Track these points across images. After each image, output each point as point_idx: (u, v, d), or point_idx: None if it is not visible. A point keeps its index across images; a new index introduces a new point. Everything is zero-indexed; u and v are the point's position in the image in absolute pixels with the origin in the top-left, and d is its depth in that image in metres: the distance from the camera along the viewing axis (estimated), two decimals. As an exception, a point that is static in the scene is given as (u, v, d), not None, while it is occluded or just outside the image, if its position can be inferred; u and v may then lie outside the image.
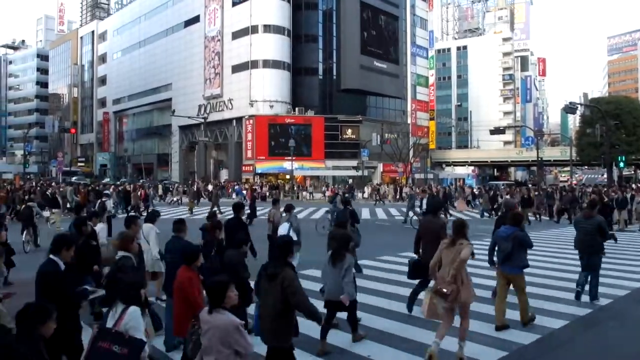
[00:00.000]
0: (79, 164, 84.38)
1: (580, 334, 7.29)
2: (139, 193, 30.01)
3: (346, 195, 19.83)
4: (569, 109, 41.45)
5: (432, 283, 6.60)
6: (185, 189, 42.80)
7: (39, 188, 30.86)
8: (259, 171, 56.10)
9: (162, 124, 75.80)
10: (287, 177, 52.43)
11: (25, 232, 14.97)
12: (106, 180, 60.44)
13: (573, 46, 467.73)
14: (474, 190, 39.96)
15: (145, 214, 25.52)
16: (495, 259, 7.88)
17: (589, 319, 7.97)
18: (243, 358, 3.89)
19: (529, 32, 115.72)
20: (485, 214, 27.53)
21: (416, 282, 8.18)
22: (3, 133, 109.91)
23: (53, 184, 37.53)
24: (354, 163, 53.68)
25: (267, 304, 4.83)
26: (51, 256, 5.06)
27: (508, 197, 24.23)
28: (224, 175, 61.76)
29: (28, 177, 62.10)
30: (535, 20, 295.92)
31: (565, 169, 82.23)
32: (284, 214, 11.60)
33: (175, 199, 38.84)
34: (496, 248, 7.76)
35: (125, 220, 7.75)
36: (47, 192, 26.59)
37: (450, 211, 28.51)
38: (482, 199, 29.42)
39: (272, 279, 4.85)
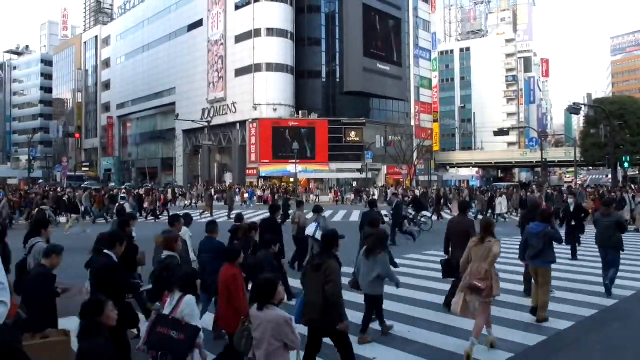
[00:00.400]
0: (84, 168, 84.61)
1: (586, 335, 7.26)
2: (158, 197, 30.55)
3: (392, 198, 19.65)
4: (573, 109, 41.33)
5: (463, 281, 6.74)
6: (194, 192, 43.01)
7: (51, 193, 31.11)
8: (263, 174, 56.16)
9: (166, 128, 75.97)
10: (291, 180, 52.46)
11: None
12: (112, 184, 60.54)
13: (576, 47, 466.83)
14: (474, 191, 39.88)
15: (162, 217, 25.74)
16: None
17: (595, 319, 7.95)
18: (290, 350, 4.24)
19: (532, 33, 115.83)
20: (480, 216, 27.34)
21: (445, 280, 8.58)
22: (8, 138, 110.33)
23: (68, 189, 37.61)
24: (358, 166, 53.71)
25: (313, 293, 5.26)
26: (106, 251, 5.44)
27: (531, 195, 23.90)
28: (228, 178, 61.79)
29: (38, 182, 62.36)
30: (538, 22, 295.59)
31: (570, 169, 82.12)
32: (309, 215, 12.01)
33: (187, 202, 38.98)
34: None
35: (169, 219, 8.41)
36: (64, 197, 26.88)
37: (443, 213, 28.35)
38: (477, 200, 29.13)
39: (316, 269, 5.34)
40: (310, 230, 10.98)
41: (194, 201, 39.35)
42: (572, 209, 14.44)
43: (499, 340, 6.76)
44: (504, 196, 27.88)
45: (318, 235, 10.19)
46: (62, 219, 23.02)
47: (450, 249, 8.35)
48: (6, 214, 22.34)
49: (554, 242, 7.85)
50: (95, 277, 5.26)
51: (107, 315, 3.50)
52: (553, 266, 7.96)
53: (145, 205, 28.41)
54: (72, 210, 22.44)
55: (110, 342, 3.45)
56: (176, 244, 6.30)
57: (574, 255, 13.32)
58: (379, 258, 6.75)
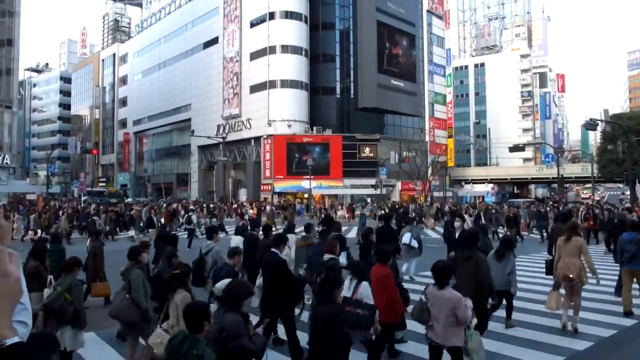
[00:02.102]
0: (100, 184, 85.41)
1: (629, 342, 7.78)
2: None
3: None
4: (590, 125, 40.96)
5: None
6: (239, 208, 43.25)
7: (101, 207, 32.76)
8: (277, 190, 56.25)
9: (181, 144, 76.60)
10: (305, 196, 52.49)
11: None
12: (128, 200, 60.96)
13: (592, 62, 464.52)
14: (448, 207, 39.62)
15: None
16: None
17: (636, 329, 8.52)
18: (461, 325, 5.20)
19: (547, 48, 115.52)
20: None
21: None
22: (27, 154, 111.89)
23: (137, 205, 38.73)
24: (372, 181, 53.60)
25: (463, 281, 6.45)
26: (272, 249, 7.24)
27: (621, 211, 23.40)
28: (242, 194, 62.02)
29: (60, 197, 62.93)
30: (553, 37, 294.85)
31: (587, 186, 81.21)
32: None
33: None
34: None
35: (318, 230, 10.94)
36: (129, 212, 29.24)
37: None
38: (492, 216, 28.47)
39: (467, 260, 6.83)
40: (406, 238, 12.95)
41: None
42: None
43: (549, 345, 7.50)
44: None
45: (414, 243, 12.42)
46: (131, 233, 25.39)
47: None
48: (65, 228, 23.52)
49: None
50: (266, 268, 6.59)
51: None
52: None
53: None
54: (149, 225, 23.33)
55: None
56: (336, 248, 7.70)
57: None
58: (510, 260, 8.17)
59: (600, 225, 21.59)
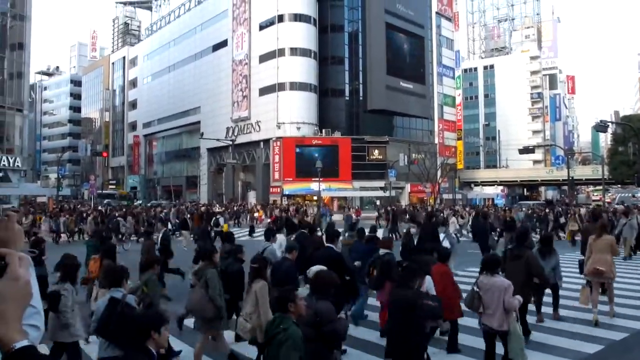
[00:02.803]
0: (110, 186, 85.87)
1: None
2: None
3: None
4: (600, 127, 40.76)
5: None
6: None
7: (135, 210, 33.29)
8: (287, 192, 56.27)
9: (190, 146, 76.88)
10: (315, 198, 52.45)
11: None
12: (138, 202, 61.16)
13: (603, 63, 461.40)
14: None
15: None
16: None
17: None
18: (509, 312, 5.87)
19: (557, 50, 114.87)
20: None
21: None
22: (37, 157, 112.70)
23: (175, 207, 39.22)
24: (381, 184, 53.51)
25: (514, 274, 7.02)
26: (329, 245, 8.51)
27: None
28: (251, 196, 62.08)
29: (72, 199, 63.30)
30: (563, 38, 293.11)
31: (598, 187, 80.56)
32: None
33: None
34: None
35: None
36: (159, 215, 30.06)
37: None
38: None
39: (517, 258, 7.45)
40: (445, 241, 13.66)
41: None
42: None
43: (589, 336, 8.04)
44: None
45: (446, 244, 12.79)
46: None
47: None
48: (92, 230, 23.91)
49: None
50: (326, 264, 6.87)
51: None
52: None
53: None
54: (182, 227, 24.58)
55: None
56: (391, 245, 8.89)
57: None
58: (553, 256, 9.04)
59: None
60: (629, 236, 17.89)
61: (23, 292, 1.16)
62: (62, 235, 25.75)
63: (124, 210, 32.80)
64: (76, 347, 6.45)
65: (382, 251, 8.46)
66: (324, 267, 6.03)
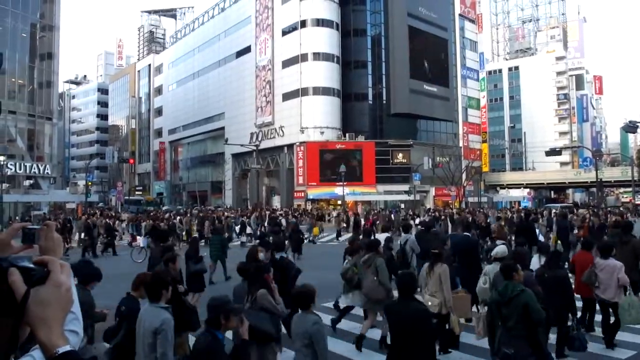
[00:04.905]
0: (137, 192, 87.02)
1: None
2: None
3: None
4: (629, 127, 40.08)
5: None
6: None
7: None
8: (311, 197, 56.37)
9: (215, 152, 77.53)
10: (339, 202, 52.44)
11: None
12: (165, 208, 61.82)
13: (631, 63, 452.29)
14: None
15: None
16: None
17: None
18: (621, 286, 7.53)
19: (584, 50, 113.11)
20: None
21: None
22: (66, 164, 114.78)
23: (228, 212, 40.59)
24: (405, 187, 53.23)
25: (623, 261, 8.00)
26: (465, 233, 11.09)
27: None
28: (276, 201, 62.33)
29: (97, 205, 64.36)
30: (589, 38, 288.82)
31: (627, 189, 78.98)
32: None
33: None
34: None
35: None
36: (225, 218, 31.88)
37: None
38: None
39: (625, 244, 8.88)
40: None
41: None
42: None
43: (621, 342, 8.08)
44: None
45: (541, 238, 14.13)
46: (244, 238, 27.87)
47: None
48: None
49: None
50: (462, 249, 9.05)
51: None
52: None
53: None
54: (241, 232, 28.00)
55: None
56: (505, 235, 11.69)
57: None
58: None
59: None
60: None
61: (65, 298, 1.20)
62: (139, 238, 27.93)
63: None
64: None
65: (499, 242, 9.73)
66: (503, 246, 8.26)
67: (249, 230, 29.12)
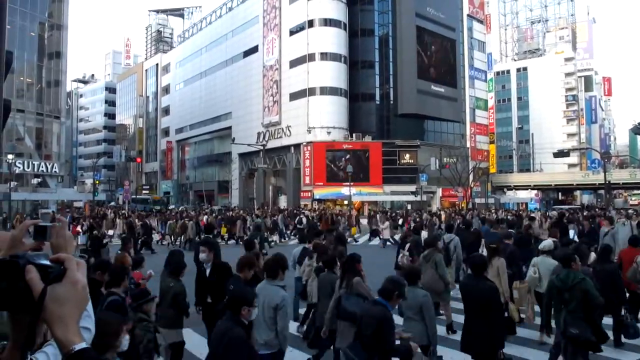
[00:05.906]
0: (144, 191, 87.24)
1: None
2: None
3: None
4: (638, 130, 39.77)
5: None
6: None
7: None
8: (317, 197, 56.33)
9: (222, 151, 77.66)
10: (345, 202, 52.36)
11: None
12: (172, 207, 61.95)
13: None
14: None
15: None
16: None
17: None
18: None
19: (593, 51, 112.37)
20: (388, 242, 25.24)
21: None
22: (74, 163, 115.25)
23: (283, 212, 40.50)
24: (412, 188, 53.06)
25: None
26: (493, 230, 12.49)
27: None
28: (282, 201, 62.31)
29: (108, 204, 64.58)
30: (598, 39, 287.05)
31: (636, 192, 78.57)
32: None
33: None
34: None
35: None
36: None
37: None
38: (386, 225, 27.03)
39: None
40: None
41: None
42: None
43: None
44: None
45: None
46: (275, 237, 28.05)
47: None
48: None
49: None
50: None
51: None
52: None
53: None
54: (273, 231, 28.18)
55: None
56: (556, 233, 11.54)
57: None
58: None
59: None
60: None
61: (81, 295, 1.22)
62: (167, 237, 28.52)
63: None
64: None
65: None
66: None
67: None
